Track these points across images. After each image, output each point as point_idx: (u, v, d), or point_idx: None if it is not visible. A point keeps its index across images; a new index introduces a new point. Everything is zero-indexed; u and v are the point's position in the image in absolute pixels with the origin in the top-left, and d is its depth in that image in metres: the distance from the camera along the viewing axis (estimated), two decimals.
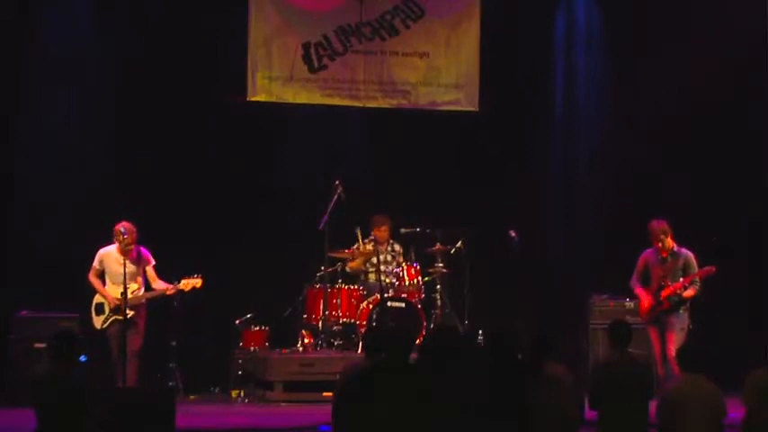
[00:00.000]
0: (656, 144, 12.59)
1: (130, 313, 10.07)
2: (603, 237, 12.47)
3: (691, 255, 10.19)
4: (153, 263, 10.37)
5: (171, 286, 10.36)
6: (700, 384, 6.98)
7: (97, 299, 10.29)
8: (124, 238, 10.09)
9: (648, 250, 10.31)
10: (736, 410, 7.27)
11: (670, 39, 12.59)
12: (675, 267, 10.15)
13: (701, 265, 10.19)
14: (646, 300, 10.26)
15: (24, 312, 10.75)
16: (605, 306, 11.63)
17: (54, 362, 7.07)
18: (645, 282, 10.33)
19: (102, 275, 10.31)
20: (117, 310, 10.10)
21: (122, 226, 10.13)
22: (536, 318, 10.49)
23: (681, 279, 10.13)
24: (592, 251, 12.49)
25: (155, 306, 10.44)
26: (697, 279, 10.12)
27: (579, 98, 13.08)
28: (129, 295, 10.08)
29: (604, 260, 12.02)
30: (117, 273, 10.10)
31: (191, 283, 10.39)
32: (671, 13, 12.55)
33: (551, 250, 12.63)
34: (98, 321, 10.25)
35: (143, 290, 10.31)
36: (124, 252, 10.13)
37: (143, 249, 10.32)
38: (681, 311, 10.12)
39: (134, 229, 10.18)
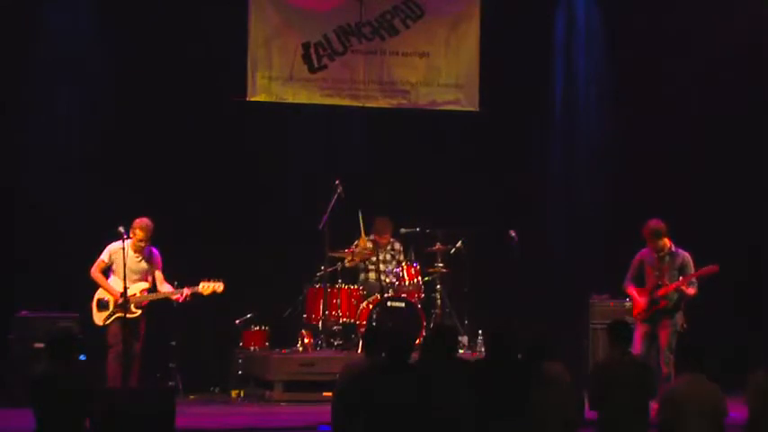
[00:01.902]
0: (657, 144, 12.58)
1: (137, 312, 10.03)
2: (603, 237, 12.47)
3: (688, 255, 10.13)
4: (161, 265, 10.29)
5: (186, 290, 10.17)
6: (700, 384, 6.98)
7: (100, 294, 10.14)
8: (140, 233, 10.01)
9: (644, 250, 10.26)
10: (736, 411, 7.27)
11: (670, 39, 12.59)
12: (673, 267, 10.10)
13: (699, 266, 10.15)
14: (641, 299, 10.20)
15: (24, 312, 10.72)
16: (605, 306, 11.63)
17: (53, 362, 7.07)
18: (639, 282, 10.29)
19: (106, 271, 10.17)
20: (122, 306, 9.93)
21: (141, 221, 10.07)
22: (536, 318, 10.48)
23: (679, 278, 10.07)
24: (592, 251, 12.49)
25: (155, 306, 10.37)
26: (694, 279, 10.08)
27: (579, 98, 13.07)
28: (137, 293, 10.05)
29: (604, 260, 12.01)
30: (126, 268, 9.95)
31: (211, 286, 10.22)
32: (671, 12, 12.55)
33: (551, 250, 12.63)
34: (100, 318, 10.11)
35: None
36: (137, 248, 10.09)
37: (155, 250, 10.25)
38: (677, 312, 10.07)
39: (151, 226, 10.11)
